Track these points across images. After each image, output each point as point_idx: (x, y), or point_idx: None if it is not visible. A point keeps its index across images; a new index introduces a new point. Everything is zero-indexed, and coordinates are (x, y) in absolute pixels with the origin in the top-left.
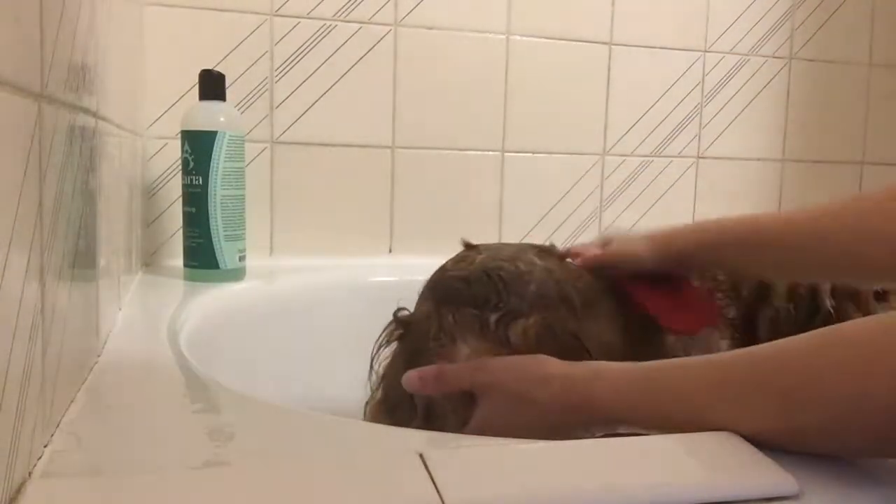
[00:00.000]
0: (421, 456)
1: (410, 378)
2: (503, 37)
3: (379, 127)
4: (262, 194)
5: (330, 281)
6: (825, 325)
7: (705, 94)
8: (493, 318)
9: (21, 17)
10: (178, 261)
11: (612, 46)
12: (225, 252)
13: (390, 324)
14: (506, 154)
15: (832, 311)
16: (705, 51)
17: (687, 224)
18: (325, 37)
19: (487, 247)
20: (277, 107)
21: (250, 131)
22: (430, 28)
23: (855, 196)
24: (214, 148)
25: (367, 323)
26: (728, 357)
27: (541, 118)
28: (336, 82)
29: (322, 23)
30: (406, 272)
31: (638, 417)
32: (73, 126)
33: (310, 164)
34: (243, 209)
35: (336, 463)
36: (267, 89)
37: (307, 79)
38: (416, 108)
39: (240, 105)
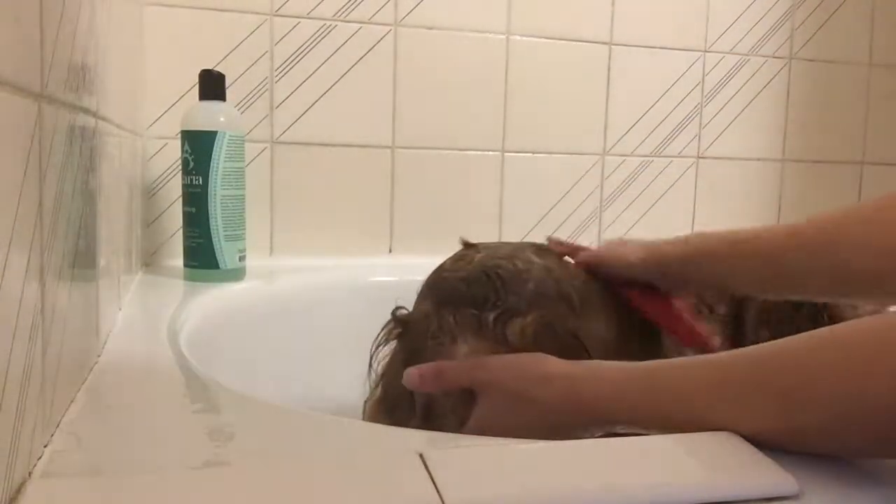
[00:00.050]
0: (421, 456)
1: (410, 375)
2: (503, 37)
3: (379, 127)
4: (262, 194)
5: (330, 281)
6: (812, 315)
7: (705, 94)
8: (491, 316)
9: (21, 17)
10: (178, 261)
11: (612, 46)
12: (225, 252)
13: (389, 322)
14: (506, 154)
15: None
16: (705, 51)
17: (677, 237)
18: (325, 37)
19: (486, 245)
20: (277, 107)
21: (250, 131)
22: (430, 28)
23: (853, 207)
24: (214, 148)
25: (366, 323)
26: (728, 357)
27: (541, 118)
28: (336, 82)
29: (322, 23)
30: (406, 272)
31: (638, 417)
32: (73, 126)
33: (310, 164)
34: (243, 209)
35: (336, 463)
36: (267, 89)
37: (307, 79)
38: (416, 108)
39: (240, 105)
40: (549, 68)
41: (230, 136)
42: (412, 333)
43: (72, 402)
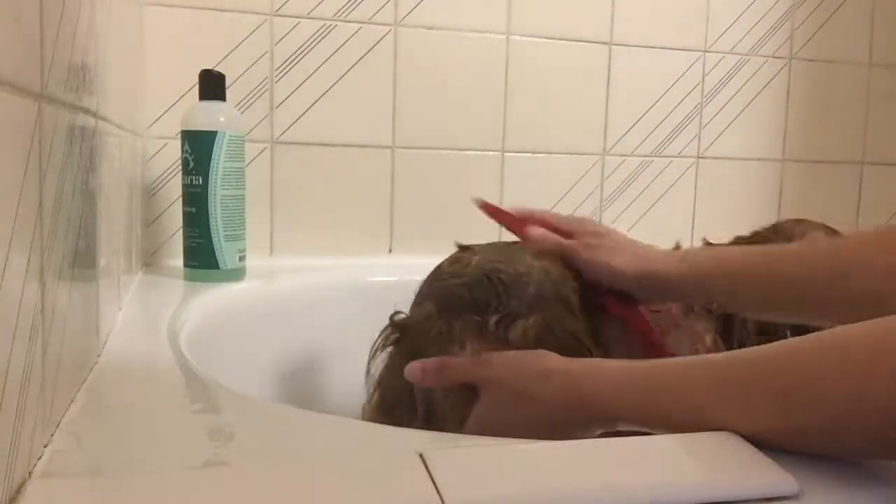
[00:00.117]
0: (421, 456)
1: (413, 369)
2: (503, 37)
3: (379, 127)
4: (262, 194)
5: (330, 281)
6: None
7: (705, 94)
8: (493, 320)
9: (21, 17)
10: (178, 261)
11: (612, 46)
12: (225, 252)
13: (387, 328)
14: (506, 154)
15: None
16: (705, 51)
17: (672, 251)
18: (325, 37)
19: (481, 248)
20: (277, 107)
21: (250, 131)
22: (430, 28)
23: (854, 232)
24: (214, 148)
25: (367, 323)
26: (728, 357)
27: (541, 118)
28: (336, 82)
29: (322, 23)
30: (406, 272)
31: (638, 416)
32: (73, 126)
33: (310, 164)
34: (243, 209)
35: (336, 463)
36: (267, 89)
37: (307, 79)
38: (416, 108)
39: (240, 105)
40: (549, 68)
41: (230, 136)
42: (412, 337)
43: (72, 402)
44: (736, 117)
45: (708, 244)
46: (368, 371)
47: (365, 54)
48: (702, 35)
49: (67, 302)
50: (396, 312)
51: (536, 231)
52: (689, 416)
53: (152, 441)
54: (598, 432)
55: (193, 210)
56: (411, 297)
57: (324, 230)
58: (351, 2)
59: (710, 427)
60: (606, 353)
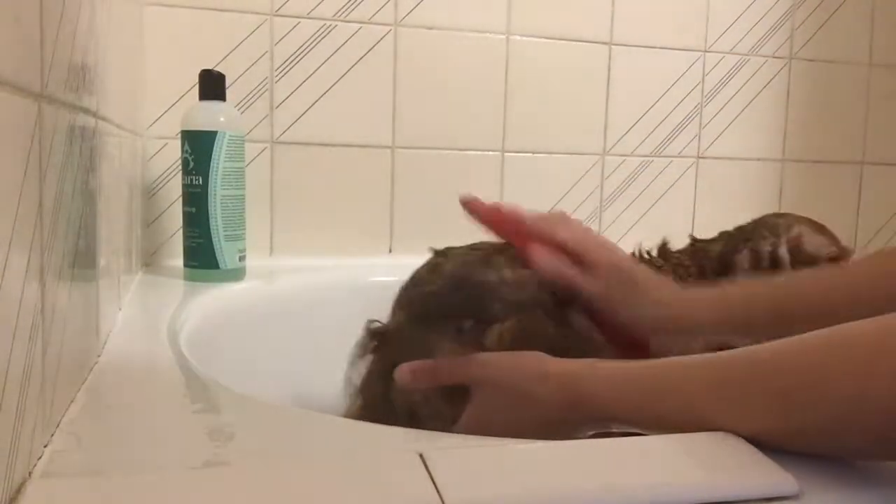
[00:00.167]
0: (421, 456)
1: (402, 372)
2: (503, 37)
3: (379, 127)
4: (262, 194)
5: (330, 281)
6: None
7: (705, 94)
8: (467, 325)
9: (21, 17)
10: (178, 261)
11: (612, 46)
12: (225, 252)
13: (364, 336)
14: (506, 154)
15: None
16: (705, 51)
17: (705, 293)
18: (325, 37)
19: (455, 252)
20: (277, 107)
21: (250, 131)
22: (430, 28)
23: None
24: (214, 148)
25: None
26: (728, 357)
27: (541, 118)
28: (336, 82)
29: (322, 23)
30: (406, 272)
31: (637, 416)
32: (73, 126)
33: (310, 164)
34: (243, 209)
35: (336, 463)
36: (267, 89)
37: (307, 79)
38: (416, 108)
39: (240, 105)
40: (549, 68)
41: (230, 136)
42: (389, 346)
43: (72, 402)
44: (736, 117)
45: (694, 241)
46: (348, 379)
47: (365, 54)
48: (702, 35)
49: (67, 302)
50: (372, 321)
51: (542, 257)
52: (688, 416)
53: (152, 441)
54: (592, 432)
55: (193, 210)
56: None
57: (324, 230)
58: (351, 2)
59: (710, 427)
60: (585, 356)
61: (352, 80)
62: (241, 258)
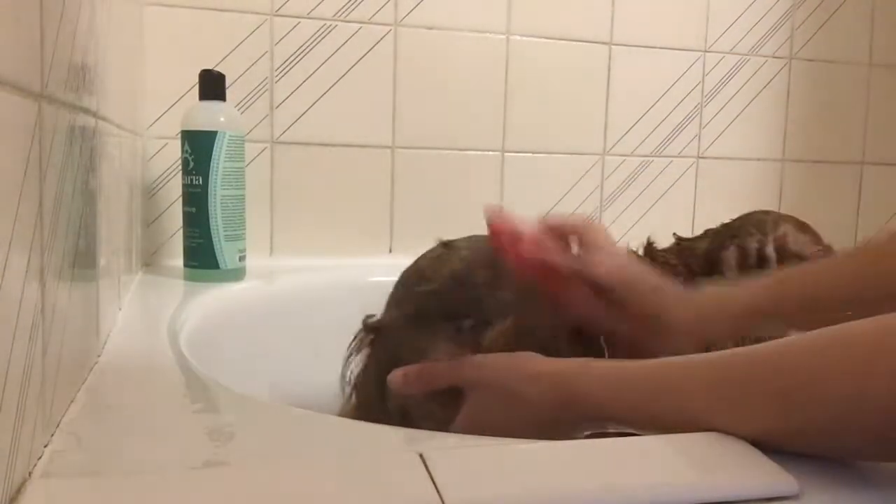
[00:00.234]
0: (421, 456)
1: (395, 377)
2: (503, 37)
3: (379, 127)
4: (262, 194)
5: (330, 281)
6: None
7: (705, 94)
8: (466, 324)
9: (21, 17)
10: (178, 261)
11: (612, 46)
12: (225, 252)
13: (360, 331)
14: (506, 154)
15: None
16: (705, 51)
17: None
18: (325, 37)
19: (459, 246)
20: (277, 107)
21: (250, 131)
22: (430, 28)
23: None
24: (214, 148)
25: None
26: (727, 356)
27: (541, 118)
28: (336, 82)
29: (322, 23)
30: None
31: (632, 416)
32: (73, 126)
33: (310, 164)
34: (243, 209)
35: (336, 463)
36: (267, 89)
37: (307, 79)
38: (416, 108)
39: (240, 105)
40: (549, 68)
41: (230, 136)
42: (385, 343)
43: (72, 402)
44: (736, 117)
45: (680, 239)
46: (343, 375)
47: (365, 54)
48: (702, 35)
49: (67, 302)
50: (369, 316)
51: (579, 310)
52: (688, 417)
53: (152, 441)
54: (588, 432)
55: (193, 210)
56: None
57: (324, 230)
58: (351, 2)
59: (710, 427)
60: (586, 355)
61: (352, 80)
62: (241, 258)
